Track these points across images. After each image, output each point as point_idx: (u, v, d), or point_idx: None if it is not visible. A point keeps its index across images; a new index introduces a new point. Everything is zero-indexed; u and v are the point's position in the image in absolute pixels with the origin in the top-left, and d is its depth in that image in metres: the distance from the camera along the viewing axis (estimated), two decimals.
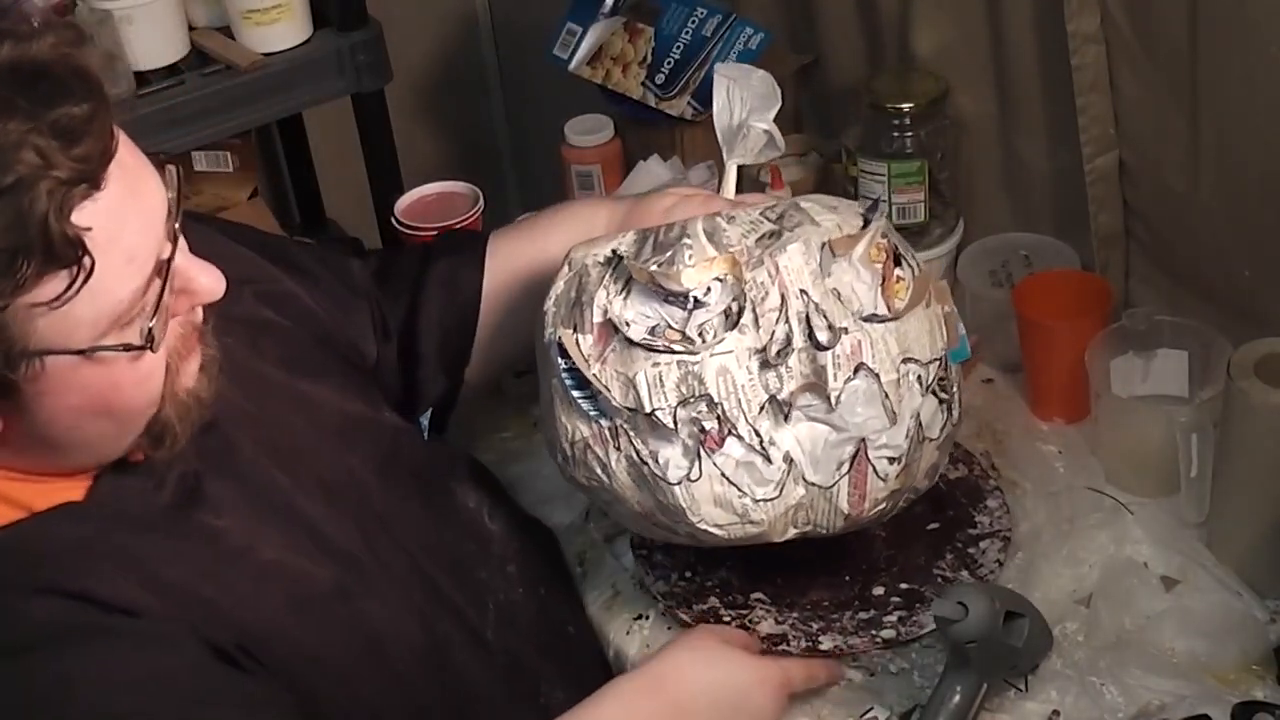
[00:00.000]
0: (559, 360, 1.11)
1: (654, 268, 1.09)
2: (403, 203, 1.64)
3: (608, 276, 1.11)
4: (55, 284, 0.86)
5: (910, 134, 1.51)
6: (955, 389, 1.15)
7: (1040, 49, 1.45)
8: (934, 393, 1.12)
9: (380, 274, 1.33)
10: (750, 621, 1.20)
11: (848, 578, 1.25)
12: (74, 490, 0.98)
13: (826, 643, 1.19)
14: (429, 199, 1.65)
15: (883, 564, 1.27)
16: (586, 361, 1.09)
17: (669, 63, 1.72)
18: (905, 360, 1.09)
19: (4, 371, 0.88)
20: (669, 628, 1.25)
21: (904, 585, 1.24)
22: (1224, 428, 1.19)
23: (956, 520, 1.29)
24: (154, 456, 1.00)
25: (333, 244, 1.53)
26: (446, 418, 1.36)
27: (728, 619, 1.20)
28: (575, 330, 1.10)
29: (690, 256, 1.09)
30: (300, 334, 1.20)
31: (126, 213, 0.89)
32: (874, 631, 1.19)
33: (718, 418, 1.06)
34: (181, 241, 0.95)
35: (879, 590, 1.24)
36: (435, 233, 1.57)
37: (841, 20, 1.69)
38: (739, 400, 1.07)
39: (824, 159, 1.72)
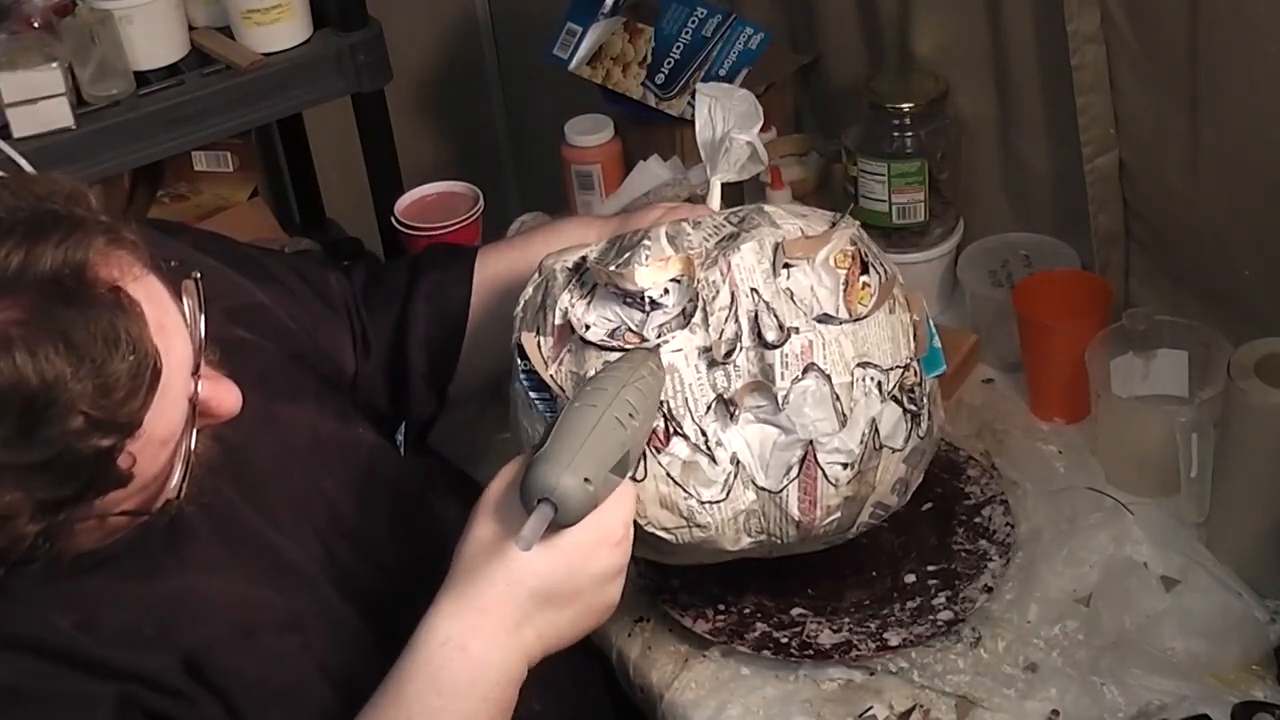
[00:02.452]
0: (519, 362, 1.11)
1: (611, 268, 1.09)
2: (403, 203, 1.64)
3: (573, 281, 1.12)
4: (89, 498, 0.88)
5: (910, 134, 1.51)
6: (927, 402, 1.13)
7: (1040, 49, 1.45)
8: (897, 401, 1.11)
9: (368, 288, 1.31)
10: (809, 636, 1.20)
11: (874, 573, 1.26)
12: None
13: (894, 639, 1.19)
14: (429, 199, 1.65)
15: (899, 552, 1.27)
16: (545, 363, 1.09)
17: (669, 63, 1.72)
18: (862, 364, 1.09)
19: (27, 555, 0.88)
20: (670, 630, 1.25)
21: (931, 567, 1.25)
22: (1224, 428, 1.19)
23: (947, 496, 1.30)
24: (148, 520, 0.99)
25: (311, 256, 1.51)
26: (426, 434, 1.35)
27: (784, 640, 1.20)
28: (538, 333, 1.11)
29: (646, 257, 1.10)
30: (273, 351, 1.18)
31: (161, 409, 0.89)
32: (931, 616, 1.20)
33: (664, 416, 1.06)
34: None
35: (911, 578, 1.25)
36: (435, 232, 1.58)
37: (841, 20, 1.69)
38: (686, 399, 1.06)
39: (824, 159, 1.72)
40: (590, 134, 1.75)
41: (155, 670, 0.96)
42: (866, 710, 1.17)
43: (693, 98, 1.69)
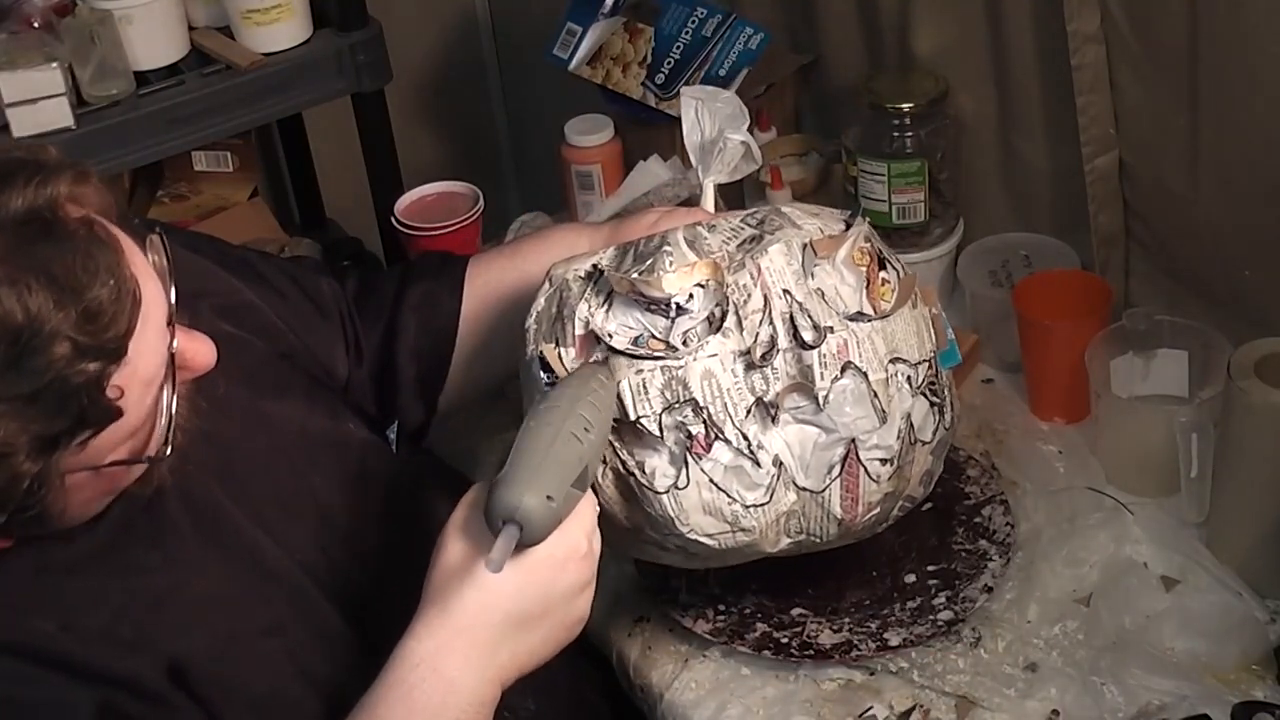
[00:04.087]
0: (541, 375, 1.10)
1: (634, 276, 1.09)
2: (403, 203, 1.64)
3: (589, 290, 1.11)
4: (82, 435, 0.88)
5: (910, 134, 1.51)
6: (947, 393, 1.14)
7: (1040, 49, 1.45)
8: (925, 394, 1.11)
9: (359, 296, 1.31)
10: (809, 636, 1.20)
11: (874, 573, 1.26)
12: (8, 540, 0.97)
13: (894, 639, 1.19)
14: (429, 199, 1.65)
15: (900, 552, 1.28)
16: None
17: (669, 63, 1.72)
18: (893, 360, 1.09)
19: (24, 500, 0.88)
20: (670, 629, 1.25)
21: (931, 567, 1.25)
22: (1224, 428, 1.19)
23: (947, 495, 1.30)
24: (137, 492, 0.99)
25: (305, 262, 1.52)
26: (419, 440, 1.35)
27: (784, 640, 1.20)
28: (557, 345, 1.10)
29: (671, 263, 1.09)
30: (262, 348, 1.18)
31: (143, 344, 0.90)
32: (931, 616, 1.20)
33: (704, 422, 1.06)
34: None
35: (911, 578, 1.25)
36: (435, 232, 1.58)
37: (841, 20, 1.69)
38: (725, 404, 1.06)
39: (824, 159, 1.72)
40: (590, 134, 1.75)
41: (137, 673, 0.95)
42: (866, 710, 1.17)
43: None
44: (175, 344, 0.94)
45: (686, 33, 1.72)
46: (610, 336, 1.08)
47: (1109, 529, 1.26)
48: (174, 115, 1.78)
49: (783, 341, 1.07)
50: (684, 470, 1.06)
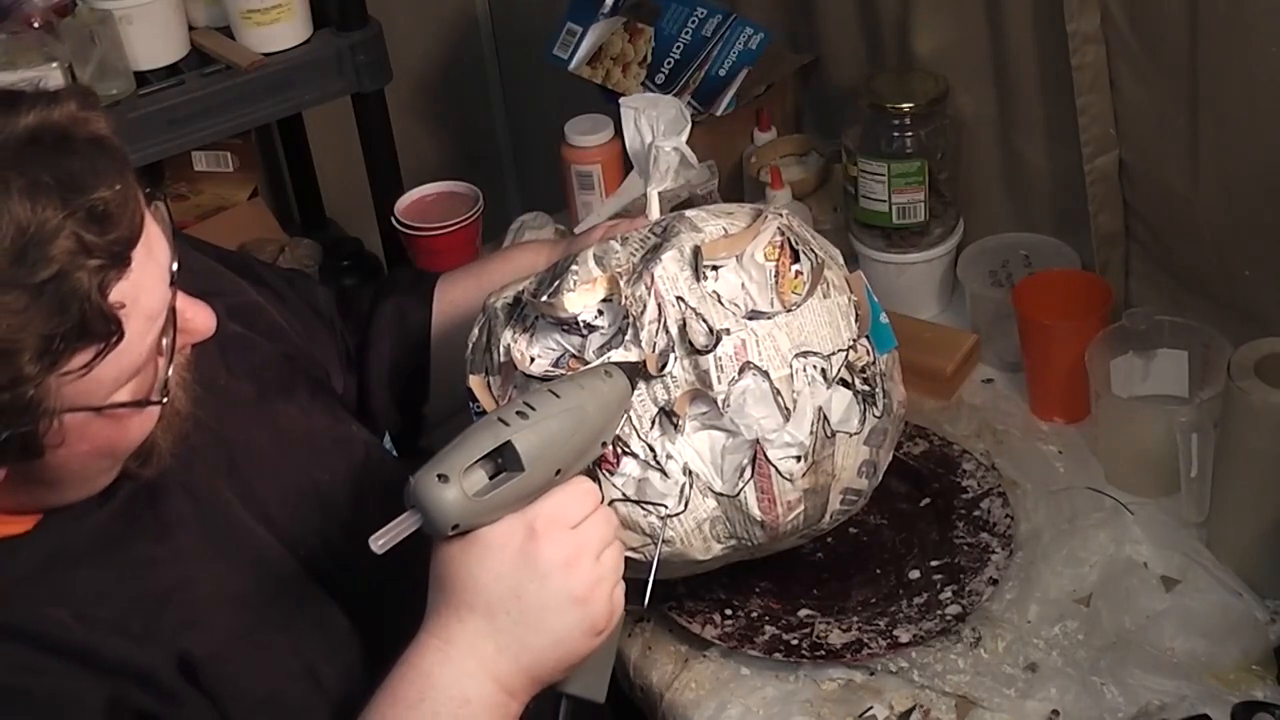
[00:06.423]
0: (470, 405, 1.12)
1: (544, 299, 1.10)
2: (403, 203, 1.64)
3: (514, 318, 1.12)
4: (85, 355, 0.87)
5: (910, 134, 1.51)
6: (881, 380, 1.13)
7: (1040, 49, 1.45)
8: (846, 384, 1.10)
9: (339, 306, 1.34)
10: (819, 637, 1.20)
11: (879, 571, 1.26)
12: (20, 523, 0.97)
13: (904, 635, 1.19)
14: (429, 199, 1.65)
15: (902, 549, 1.28)
16: (495, 402, 1.10)
17: (669, 63, 1.72)
18: (801, 354, 1.08)
19: (21, 431, 0.88)
20: (670, 630, 1.25)
21: (935, 562, 1.25)
22: (1224, 428, 1.19)
23: (944, 490, 1.31)
24: (138, 473, 1.00)
25: (298, 272, 1.54)
26: (414, 445, 1.37)
27: (794, 641, 1.20)
28: (486, 374, 1.11)
29: (574, 282, 1.10)
30: (269, 349, 1.19)
31: (147, 276, 0.91)
32: (939, 611, 1.20)
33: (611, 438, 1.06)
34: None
35: (915, 574, 1.25)
36: (435, 232, 1.58)
37: (841, 20, 1.69)
38: (630, 417, 1.06)
39: (824, 159, 1.72)
40: (590, 134, 1.74)
41: (151, 666, 0.96)
42: (866, 710, 1.17)
43: (693, 97, 1.69)
44: (176, 302, 0.94)
45: (686, 33, 1.72)
46: (532, 361, 1.09)
47: (1109, 529, 1.26)
48: (174, 115, 1.78)
49: (678, 349, 1.07)
50: (598, 488, 1.05)
